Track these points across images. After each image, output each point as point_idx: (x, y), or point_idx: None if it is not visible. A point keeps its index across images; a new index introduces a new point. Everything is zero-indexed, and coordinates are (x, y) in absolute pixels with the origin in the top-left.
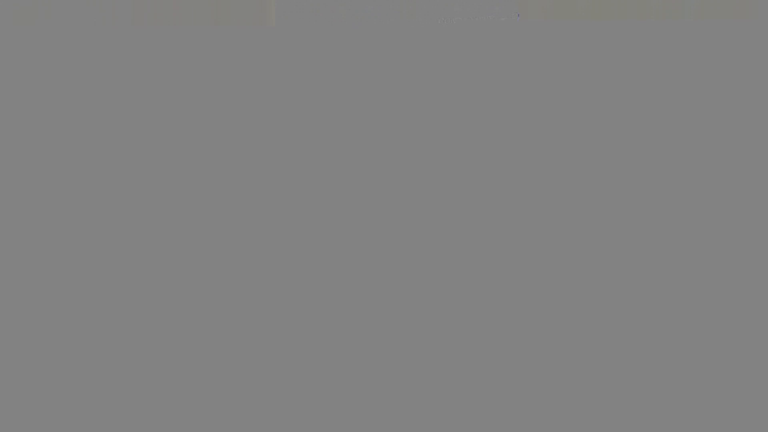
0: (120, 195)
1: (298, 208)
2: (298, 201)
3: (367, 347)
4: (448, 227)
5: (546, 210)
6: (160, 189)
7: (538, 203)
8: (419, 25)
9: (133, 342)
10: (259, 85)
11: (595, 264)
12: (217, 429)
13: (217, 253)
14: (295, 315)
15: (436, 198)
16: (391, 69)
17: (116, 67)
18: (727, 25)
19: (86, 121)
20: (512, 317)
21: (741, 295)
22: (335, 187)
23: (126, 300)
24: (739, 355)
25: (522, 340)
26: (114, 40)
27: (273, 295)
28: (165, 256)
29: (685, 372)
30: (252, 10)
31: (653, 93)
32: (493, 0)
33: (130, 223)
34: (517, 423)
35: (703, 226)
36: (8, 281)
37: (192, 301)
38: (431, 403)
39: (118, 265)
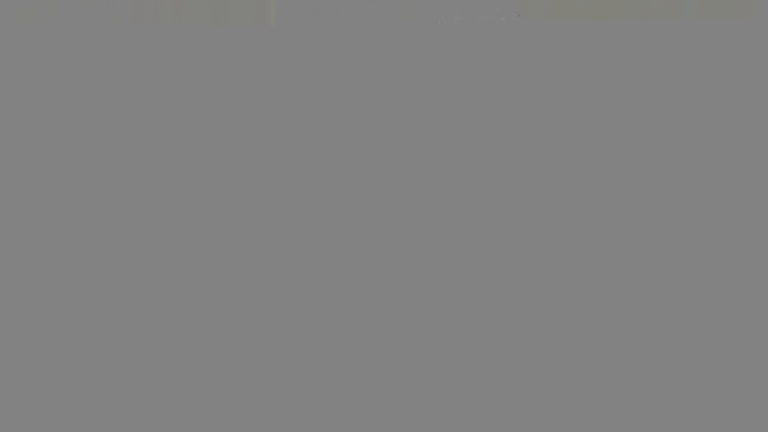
0: (120, 195)
1: (298, 207)
2: (298, 200)
3: (367, 347)
4: (448, 227)
5: (546, 210)
6: (160, 189)
7: (537, 203)
8: (419, 25)
9: (132, 341)
10: (259, 85)
11: (595, 263)
12: (217, 429)
13: (217, 252)
14: (295, 314)
15: (436, 198)
16: (391, 69)
17: (116, 67)
18: (727, 25)
19: (86, 121)
20: (512, 317)
21: (741, 294)
22: (335, 187)
23: (125, 299)
24: (739, 355)
25: (521, 339)
26: (114, 40)
27: (272, 295)
28: (165, 255)
29: (684, 372)
30: (252, 10)
31: (653, 93)
32: (493, 0)
33: (130, 223)
34: (518, 423)
35: (703, 225)
36: (8, 281)
37: (191, 300)
38: (431, 403)
39: (118, 264)
